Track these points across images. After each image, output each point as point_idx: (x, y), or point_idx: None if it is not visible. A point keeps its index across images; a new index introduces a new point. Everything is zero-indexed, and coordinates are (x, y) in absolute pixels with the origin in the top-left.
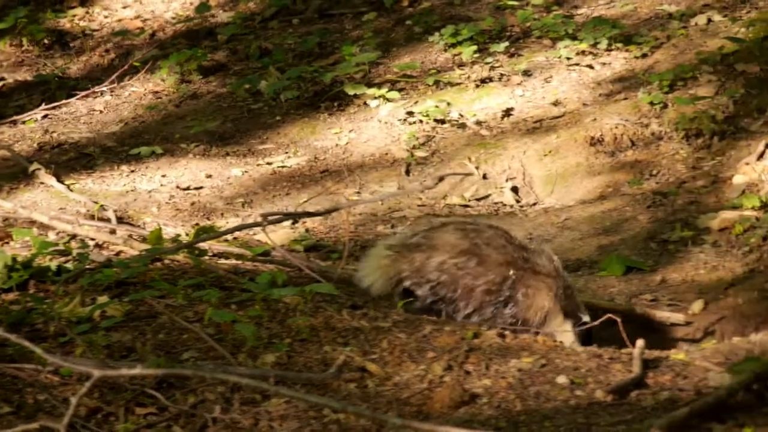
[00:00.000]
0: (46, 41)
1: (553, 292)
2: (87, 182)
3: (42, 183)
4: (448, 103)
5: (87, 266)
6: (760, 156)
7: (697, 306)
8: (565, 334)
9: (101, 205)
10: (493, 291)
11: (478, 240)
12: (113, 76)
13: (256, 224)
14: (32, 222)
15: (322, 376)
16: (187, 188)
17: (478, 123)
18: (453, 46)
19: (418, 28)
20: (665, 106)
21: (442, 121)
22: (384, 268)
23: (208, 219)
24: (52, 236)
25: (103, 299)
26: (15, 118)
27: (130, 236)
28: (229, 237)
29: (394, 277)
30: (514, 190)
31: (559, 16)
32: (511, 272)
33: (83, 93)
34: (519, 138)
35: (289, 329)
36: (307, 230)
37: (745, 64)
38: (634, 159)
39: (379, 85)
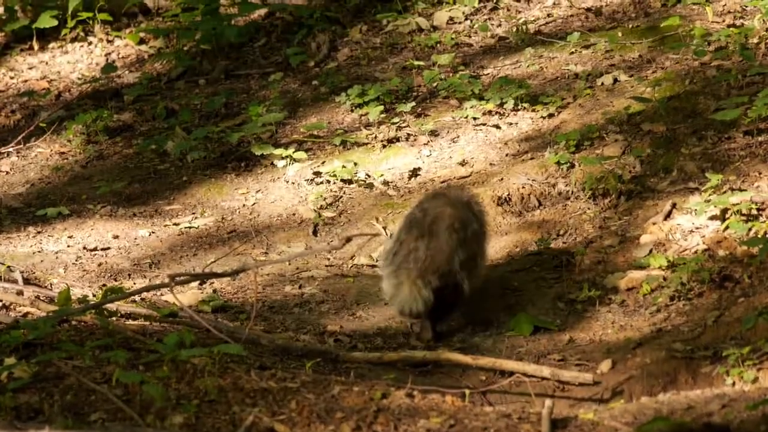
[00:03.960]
0: None
1: None
2: None
3: None
4: (355, 164)
5: None
6: (667, 215)
7: (605, 366)
8: None
9: (8, 266)
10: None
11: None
12: (19, 137)
13: (163, 285)
14: None
15: None
16: (94, 249)
17: (386, 183)
18: (360, 106)
19: (324, 89)
20: (572, 165)
21: (350, 182)
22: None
23: (115, 280)
24: None
25: (10, 361)
26: None
27: (38, 297)
28: (136, 298)
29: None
30: None
31: (465, 76)
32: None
33: None
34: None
35: (198, 390)
36: (214, 291)
37: (652, 124)
38: (541, 219)
39: (286, 146)
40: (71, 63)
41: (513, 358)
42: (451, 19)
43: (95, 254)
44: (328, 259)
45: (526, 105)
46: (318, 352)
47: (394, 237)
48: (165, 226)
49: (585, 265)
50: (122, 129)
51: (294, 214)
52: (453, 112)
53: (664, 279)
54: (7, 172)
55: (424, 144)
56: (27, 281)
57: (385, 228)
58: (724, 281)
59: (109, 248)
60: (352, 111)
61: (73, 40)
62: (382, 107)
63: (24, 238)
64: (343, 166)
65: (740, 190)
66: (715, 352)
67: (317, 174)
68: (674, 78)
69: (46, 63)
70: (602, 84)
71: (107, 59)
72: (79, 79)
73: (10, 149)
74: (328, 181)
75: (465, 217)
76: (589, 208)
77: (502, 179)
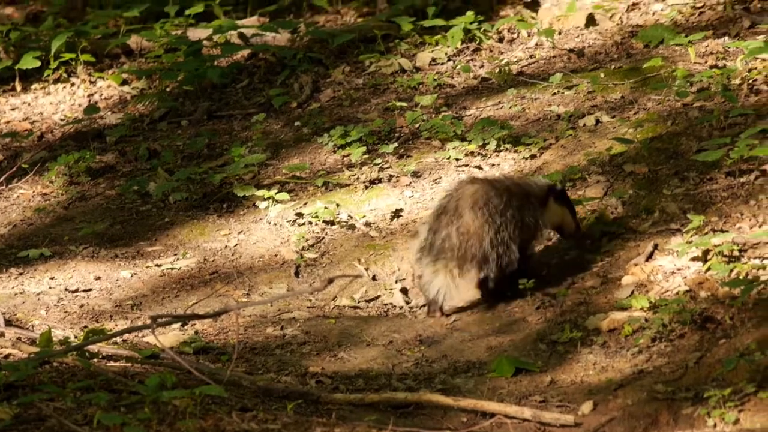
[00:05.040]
0: None
1: None
2: None
3: None
4: (338, 205)
5: None
6: (649, 257)
7: (586, 407)
8: None
9: None
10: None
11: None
12: (1, 178)
13: (145, 326)
14: None
15: None
16: (76, 291)
17: (368, 224)
18: (342, 147)
19: (307, 130)
20: None
21: (332, 223)
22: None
23: (97, 321)
24: None
25: None
26: None
27: (19, 339)
28: (118, 339)
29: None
30: (404, 291)
31: (447, 117)
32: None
33: None
34: (409, 239)
35: None
36: (196, 332)
37: (634, 165)
38: None
39: (269, 187)
40: (54, 104)
41: (494, 399)
42: (434, 60)
43: (77, 295)
44: (310, 300)
45: (508, 146)
46: (299, 393)
47: (425, 228)
48: (147, 267)
49: (567, 306)
50: (105, 170)
51: (276, 256)
52: (435, 153)
53: (646, 320)
54: None
55: (407, 185)
56: (8, 322)
57: (367, 269)
58: (706, 322)
59: (90, 289)
60: (334, 152)
61: (56, 81)
62: (364, 148)
63: (6, 279)
64: (326, 208)
65: (722, 231)
66: (696, 393)
67: (299, 215)
68: (656, 119)
69: (29, 104)
70: (584, 125)
71: (90, 100)
72: (61, 120)
73: None
74: (311, 223)
75: (487, 191)
76: (571, 249)
77: None
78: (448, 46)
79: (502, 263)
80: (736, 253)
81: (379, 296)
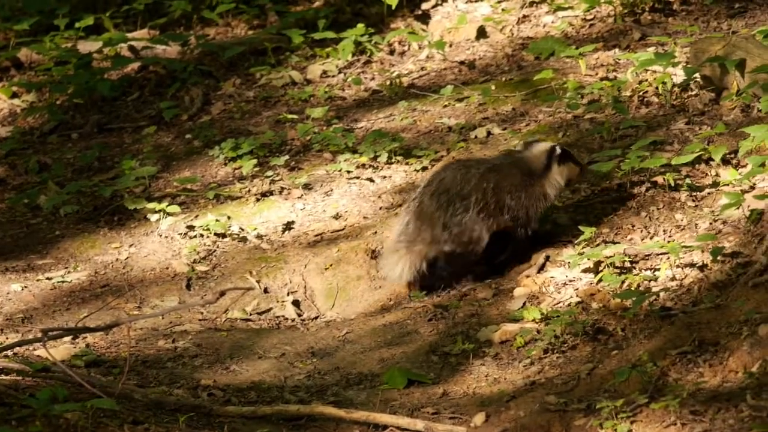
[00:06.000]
0: None
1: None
2: None
3: None
4: (229, 217)
5: None
6: (541, 268)
7: (478, 419)
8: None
9: None
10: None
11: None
12: None
13: (35, 340)
14: None
15: None
16: None
17: (259, 237)
18: (233, 159)
19: (198, 142)
20: None
21: (223, 235)
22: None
23: None
24: None
25: None
26: None
27: None
28: (9, 353)
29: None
30: (296, 303)
31: (339, 129)
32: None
33: None
34: (300, 251)
35: None
36: (88, 345)
37: None
38: None
39: (159, 199)
40: None
41: (387, 411)
42: (325, 72)
43: None
44: (202, 313)
45: (399, 158)
46: (191, 406)
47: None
48: (38, 280)
49: (459, 318)
50: None
51: (167, 268)
52: (326, 165)
53: (538, 332)
54: None
55: (298, 197)
56: None
57: (258, 282)
58: (598, 334)
59: None
60: (225, 164)
61: None
62: (255, 161)
63: None
64: (217, 220)
65: (613, 242)
66: (588, 404)
67: (190, 228)
68: (547, 131)
69: None
70: (476, 137)
71: None
72: None
73: None
74: (202, 235)
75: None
76: None
77: (375, 232)
78: (339, 59)
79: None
80: (628, 265)
81: (271, 308)
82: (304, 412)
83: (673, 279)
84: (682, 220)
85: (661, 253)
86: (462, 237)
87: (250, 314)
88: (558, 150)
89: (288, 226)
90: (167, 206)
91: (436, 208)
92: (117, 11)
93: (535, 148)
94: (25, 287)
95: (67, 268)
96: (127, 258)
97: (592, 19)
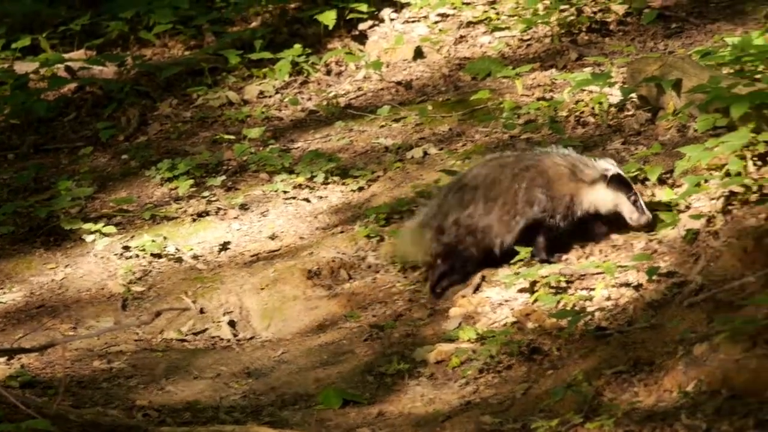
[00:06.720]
0: None
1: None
2: None
3: None
4: (165, 238)
5: None
6: (476, 288)
7: None
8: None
9: None
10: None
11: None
12: None
13: None
14: None
15: None
16: None
17: (195, 257)
18: (170, 180)
19: (134, 163)
20: (382, 239)
21: (159, 256)
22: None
23: None
24: None
25: None
26: None
27: None
28: None
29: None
30: (232, 324)
31: (275, 149)
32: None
33: None
34: (236, 272)
35: None
36: (23, 366)
37: None
38: (351, 292)
39: (95, 220)
40: None
41: (322, 431)
42: (262, 92)
43: None
44: (137, 333)
45: (336, 178)
46: (126, 426)
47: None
48: None
49: (394, 338)
50: None
51: (103, 289)
52: (263, 185)
53: (474, 351)
54: None
55: (234, 218)
56: None
57: (194, 302)
58: (533, 353)
59: None
60: (161, 185)
61: None
62: (192, 181)
63: None
64: (153, 240)
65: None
66: (523, 424)
67: (126, 248)
68: (484, 151)
69: None
70: (412, 157)
71: None
72: None
73: None
74: (137, 256)
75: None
76: (398, 282)
77: (312, 253)
78: (276, 79)
79: None
80: (564, 285)
81: (206, 329)
82: None
83: (608, 299)
84: (617, 240)
85: (597, 273)
86: (468, 234)
87: (186, 335)
88: (611, 173)
89: (224, 246)
90: (103, 227)
91: (457, 202)
92: (54, 32)
93: (598, 162)
94: None
95: (2, 288)
96: (62, 279)
97: (529, 40)
